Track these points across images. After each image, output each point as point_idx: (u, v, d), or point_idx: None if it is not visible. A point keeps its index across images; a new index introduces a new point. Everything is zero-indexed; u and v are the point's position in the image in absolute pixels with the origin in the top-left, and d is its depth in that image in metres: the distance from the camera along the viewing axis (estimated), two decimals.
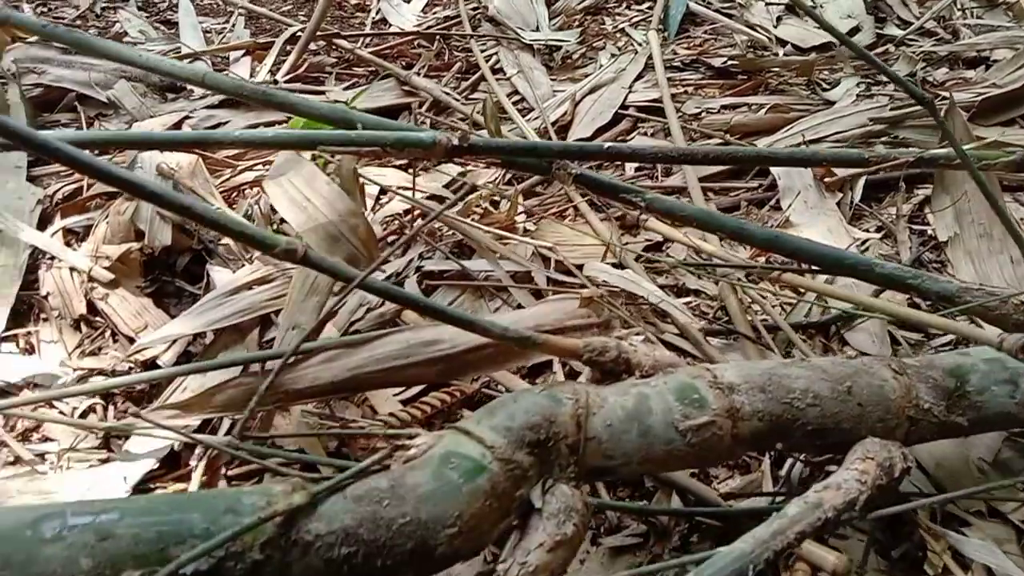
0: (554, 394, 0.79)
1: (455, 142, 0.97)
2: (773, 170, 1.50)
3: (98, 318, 1.51)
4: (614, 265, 1.38)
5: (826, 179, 1.47)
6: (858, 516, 0.76)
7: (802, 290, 1.31)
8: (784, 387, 0.85)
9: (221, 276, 1.52)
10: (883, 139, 1.58)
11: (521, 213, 1.49)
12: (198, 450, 1.18)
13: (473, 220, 1.50)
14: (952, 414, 0.90)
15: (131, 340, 1.44)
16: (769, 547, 0.70)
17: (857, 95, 1.76)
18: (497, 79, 2.07)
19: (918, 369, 0.91)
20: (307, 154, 1.45)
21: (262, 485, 0.70)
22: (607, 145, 1.09)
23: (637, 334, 0.94)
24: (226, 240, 1.60)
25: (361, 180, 1.44)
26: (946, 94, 1.65)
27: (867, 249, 1.37)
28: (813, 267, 1.17)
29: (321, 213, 1.34)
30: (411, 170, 1.60)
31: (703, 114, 1.79)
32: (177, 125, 2.04)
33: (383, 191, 1.66)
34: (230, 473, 1.14)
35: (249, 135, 1.07)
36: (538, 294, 1.36)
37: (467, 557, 0.72)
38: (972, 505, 1.00)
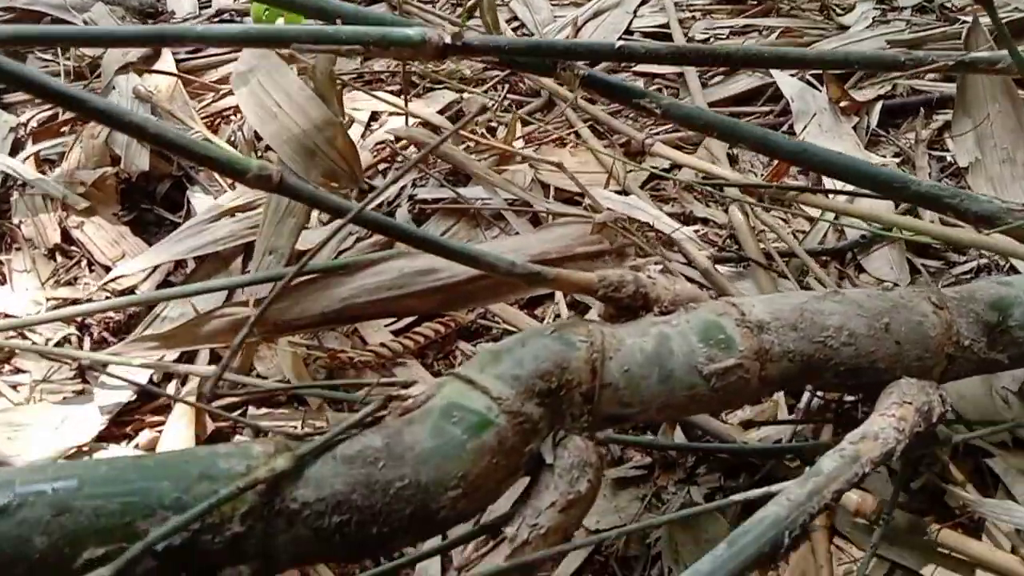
0: (566, 336, 0.69)
1: (447, 40, 0.81)
2: (786, 92, 1.37)
3: (73, 247, 1.39)
4: (618, 192, 1.27)
5: (841, 103, 1.35)
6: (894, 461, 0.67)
7: (819, 212, 1.20)
8: (817, 324, 0.75)
9: (202, 203, 1.40)
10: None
11: (519, 139, 1.36)
12: (175, 385, 1.09)
13: (469, 147, 1.37)
14: (993, 351, 0.80)
15: (108, 269, 1.33)
16: (805, 510, 0.61)
17: (873, 19, 1.61)
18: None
19: (958, 302, 0.81)
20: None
21: (240, 445, 0.59)
22: (619, 44, 0.92)
23: (655, 263, 0.82)
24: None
25: (345, 94, 1.28)
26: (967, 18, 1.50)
27: None
28: (837, 186, 1.06)
29: (293, 121, 1.19)
30: (403, 91, 1.45)
31: (711, 39, 1.63)
32: (156, 50, 1.88)
33: (373, 116, 1.52)
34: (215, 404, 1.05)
35: (213, 30, 0.91)
36: (537, 222, 1.25)
37: (471, 517, 0.62)
38: (996, 436, 0.92)
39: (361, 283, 0.95)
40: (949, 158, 1.27)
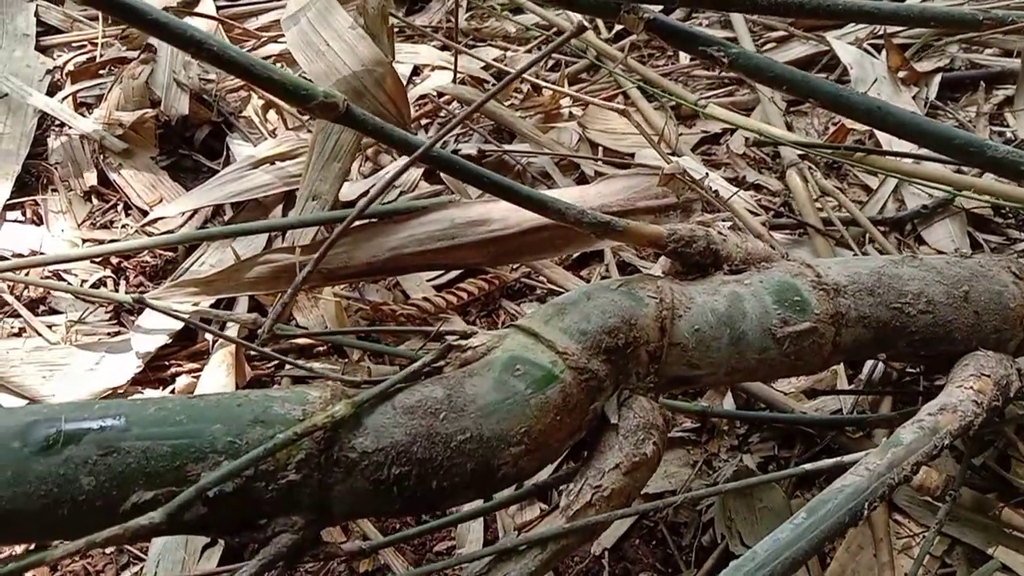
0: (634, 292, 0.64)
1: None
2: (844, 60, 1.30)
3: (110, 190, 1.35)
4: (669, 155, 1.21)
5: (900, 72, 1.28)
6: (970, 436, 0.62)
7: (879, 180, 1.14)
8: (895, 290, 0.70)
9: (241, 150, 1.35)
10: (960, 36, 1.37)
11: (566, 97, 1.30)
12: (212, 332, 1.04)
13: (514, 104, 1.31)
14: None
15: (145, 213, 1.30)
16: (885, 481, 0.56)
17: None
18: None
19: None
20: None
21: (296, 389, 0.55)
22: None
23: (724, 219, 0.76)
24: (247, 112, 1.42)
25: (392, 24, 1.21)
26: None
27: None
28: (903, 149, 0.98)
29: (341, 61, 1.12)
30: (450, 45, 1.39)
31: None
32: None
33: (415, 71, 1.46)
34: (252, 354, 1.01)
35: None
36: (584, 182, 1.19)
37: (531, 476, 0.58)
38: None
39: (410, 233, 0.90)
40: (1009, 133, 1.20)
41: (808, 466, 0.62)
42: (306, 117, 1.38)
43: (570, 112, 1.28)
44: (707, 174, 1.04)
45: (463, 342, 0.59)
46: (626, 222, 0.65)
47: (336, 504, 0.53)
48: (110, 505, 0.50)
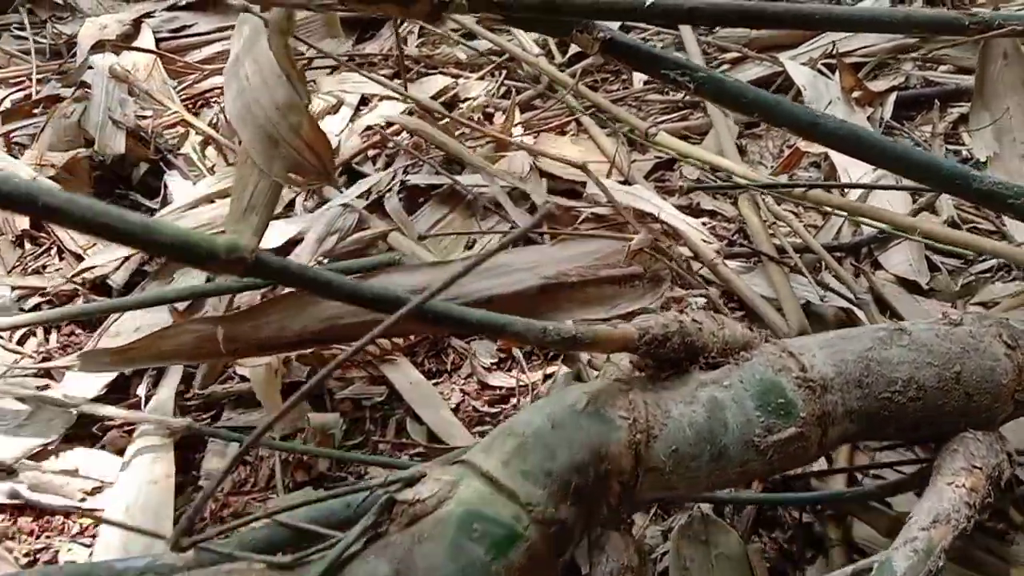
0: (604, 413, 0.51)
1: None
2: (798, 81, 1.18)
3: (42, 234, 1.18)
4: (621, 183, 1.07)
5: (855, 92, 1.16)
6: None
7: (829, 210, 1.03)
8: (884, 378, 0.58)
9: (180, 188, 1.19)
10: (914, 54, 1.26)
11: (517, 126, 1.15)
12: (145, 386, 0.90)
13: (464, 134, 1.16)
14: None
15: (79, 258, 1.13)
16: None
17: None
18: None
19: None
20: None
21: None
22: (649, 1, 0.69)
23: (699, 296, 0.64)
24: (186, 149, 1.25)
25: (336, 76, 1.05)
26: (981, 10, 1.29)
27: None
28: (853, 180, 0.88)
29: (258, 102, 0.94)
30: (398, 73, 1.23)
31: (716, 27, 1.42)
32: (136, 25, 1.61)
33: (363, 101, 1.30)
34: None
35: None
36: (534, 210, 1.06)
37: None
38: None
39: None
40: (965, 152, 1.10)
41: None
42: None
43: (521, 140, 1.13)
44: (658, 213, 0.91)
45: (409, 494, 0.46)
46: (594, 331, 0.51)
47: None
48: None
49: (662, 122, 1.18)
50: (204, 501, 0.41)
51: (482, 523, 0.44)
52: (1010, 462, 0.59)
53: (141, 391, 0.90)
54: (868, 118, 1.12)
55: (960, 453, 0.58)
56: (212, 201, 1.14)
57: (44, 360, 0.96)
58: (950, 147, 1.11)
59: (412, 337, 0.93)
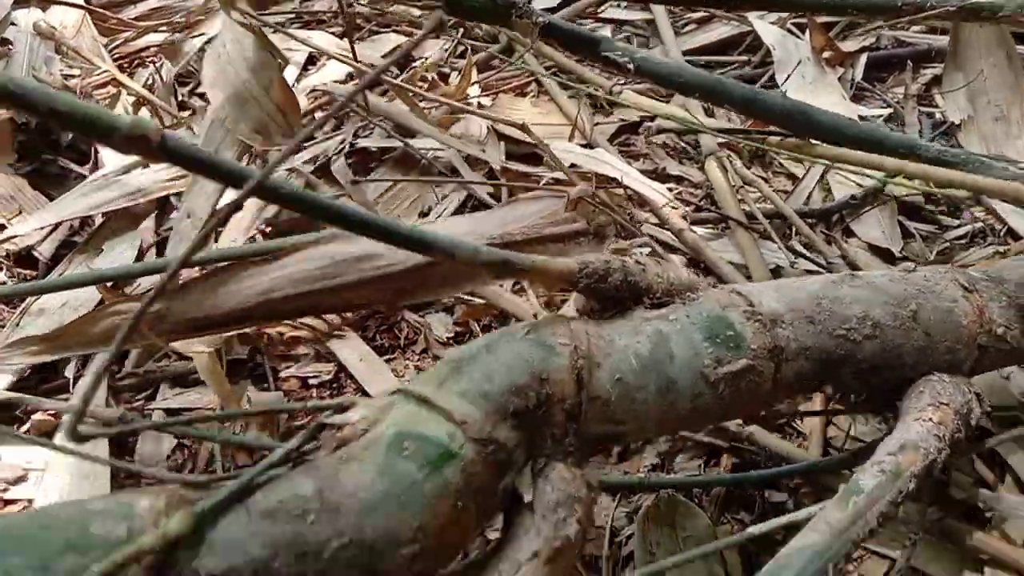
0: (544, 339, 0.54)
1: None
2: (767, 41, 1.23)
3: None
4: (583, 146, 1.11)
5: (825, 53, 1.21)
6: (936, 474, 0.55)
7: (805, 168, 1.07)
8: (838, 315, 0.62)
9: (113, 153, 1.20)
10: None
11: (474, 85, 1.18)
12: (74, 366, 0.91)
13: (418, 96, 1.19)
14: None
15: (1, 228, 1.13)
16: (849, 537, 0.48)
17: None
18: None
19: (988, 283, 0.69)
20: None
21: (121, 500, 0.43)
22: None
23: (641, 245, 0.67)
24: (118, 110, 1.26)
25: (281, 35, 1.09)
26: None
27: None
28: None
29: (231, 67, 0.99)
30: (346, 32, 1.26)
31: None
32: None
33: (311, 59, 1.32)
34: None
35: None
36: (493, 177, 1.09)
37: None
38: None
39: (284, 272, 0.77)
40: (939, 114, 1.15)
41: (754, 529, 0.53)
42: (186, 114, 1.24)
43: (478, 103, 1.16)
44: (622, 178, 0.95)
45: (338, 419, 0.48)
46: (531, 260, 0.55)
47: None
48: None
49: (626, 82, 1.22)
50: (98, 381, 0.42)
51: (413, 441, 0.47)
52: (979, 402, 0.63)
53: (69, 372, 0.91)
54: (839, 79, 1.17)
55: (926, 393, 0.62)
56: (147, 165, 1.14)
57: None
58: (923, 109, 1.16)
59: (363, 310, 0.95)
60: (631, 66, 0.77)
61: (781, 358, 0.59)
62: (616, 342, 0.56)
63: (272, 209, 1.06)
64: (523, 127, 0.97)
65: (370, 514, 0.44)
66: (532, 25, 0.79)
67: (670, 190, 1.08)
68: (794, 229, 1.02)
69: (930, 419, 0.58)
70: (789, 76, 1.13)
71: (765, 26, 1.26)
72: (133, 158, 1.15)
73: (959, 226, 1.04)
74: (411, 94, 1.13)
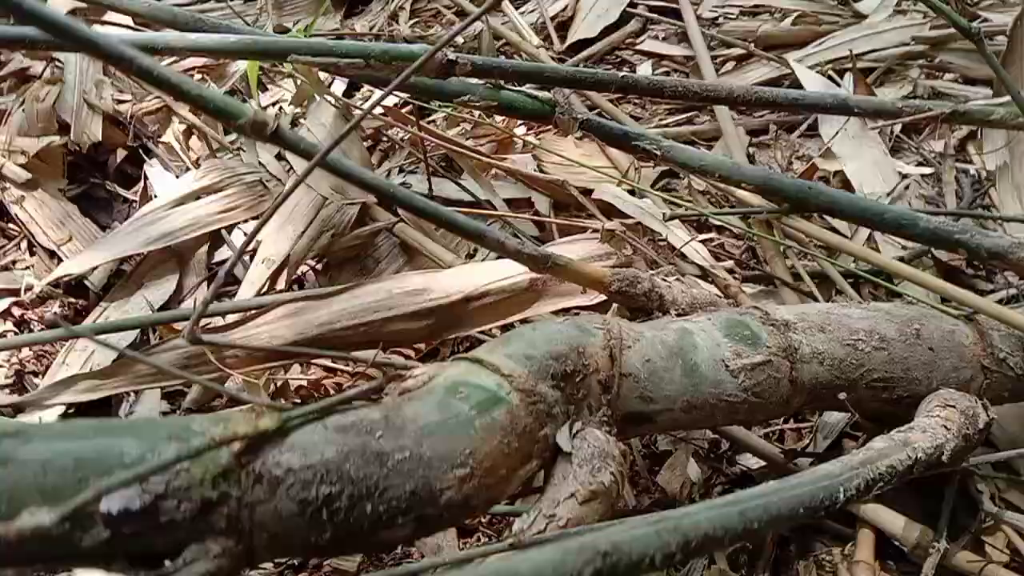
0: (580, 323, 0.69)
1: (451, 57, 0.86)
2: (810, 89, 1.39)
3: (12, 225, 1.35)
4: (629, 192, 1.27)
5: None
6: (947, 466, 0.68)
7: (851, 229, 1.21)
8: (846, 327, 0.77)
9: (161, 179, 1.38)
10: (921, 61, 1.49)
11: (520, 125, 1.36)
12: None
13: (462, 132, 1.37)
14: None
15: (51, 254, 1.29)
16: (859, 474, 0.61)
17: (892, 9, 1.63)
18: None
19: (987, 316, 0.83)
20: None
21: (218, 413, 0.57)
22: (622, 74, 1.01)
23: (668, 274, 0.83)
24: (167, 137, 1.44)
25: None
26: (984, 15, 1.53)
27: (907, 188, 1.27)
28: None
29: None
30: None
31: (720, 19, 1.65)
32: None
33: (353, 85, 1.49)
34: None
35: (207, 41, 0.88)
36: (540, 223, 1.24)
37: (481, 508, 0.61)
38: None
39: (342, 306, 0.95)
40: (973, 171, 1.30)
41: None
42: (231, 140, 1.41)
43: (524, 141, 1.34)
44: (664, 213, 1.10)
45: (404, 371, 0.62)
46: (568, 258, 0.70)
47: (258, 531, 0.54)
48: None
49: (668, 124, 1.39)
50: (214, 294, 0.57)
51: (467, 387, 0.61)
52: (985, 410, 0.76)
53: (123, 411, 1.02)
54: (879, 132, 1.32)
55: (935, 400, 0.76)
56: (198, 197, 1.30)
57: (17, 374, 1.11)
58: (959, 165, 1.31)
59: (414, 355, 1.09)
60: (658, 153, 0.97)
61: (796, 357, 0.73)
62: (645, 333, 0.71)
63: (324, 240, 1.21)
64: (563, 184, 1.13)
65: (428, 437, 0.58)
66: (573, 120, 0.99)
67: (709, 241, 1.23)
68: (836, 289, 1.13)
69: (938, 415, 0.72)
70: (837, 133, 1.29)
71: (806, 72, 1.43)
72: (183, 190, 1.30)
73: (993, 291, 1.15)
74: (457, 129, 1.31)
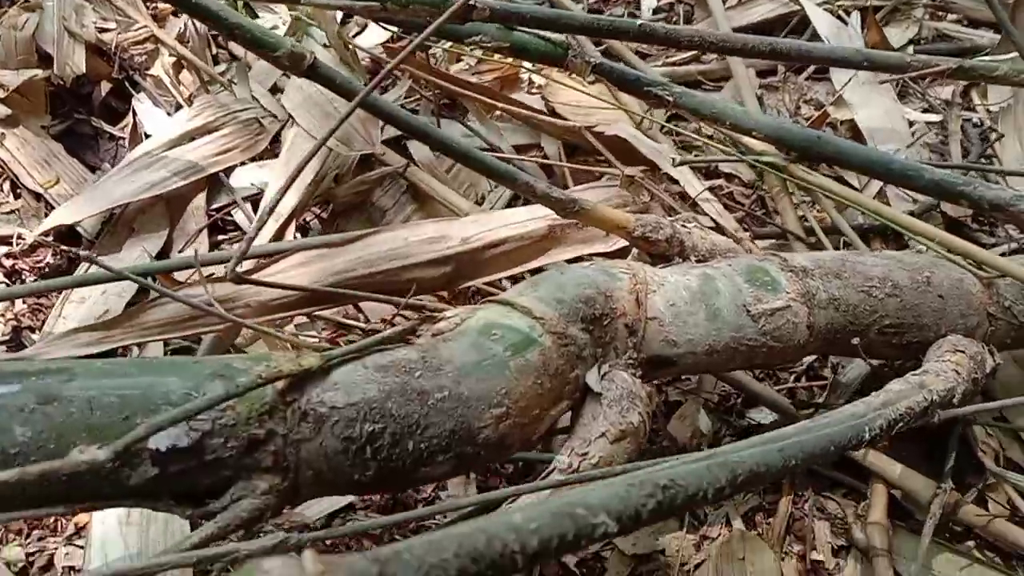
0: (607, 267, 0.73)
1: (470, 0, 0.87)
2: (820, 30, 1.42)
3: None
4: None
5: (875, 48, 1.40)
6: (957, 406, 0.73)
7: (862, 180, 1.24)
8: (860, 274, 0.81)
9: (150, 115, 1.37)
10: (926, 0, 1.52)
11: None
12: None
13: (466, 67, 1.37)
14: None
15: (38, 197, 1.27)
16: (881, 414, 0.66)
17: None
18: None
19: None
20: None
21: (260, 352, 0.60)
22: (639, 22, 1.03)
23: (687, 221, 0.86)
24: (155, 70, 1.43)
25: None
26: None
27: (915, 136, 1.31)
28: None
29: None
30: None
31: None
32: None
33: (348, 14, 1.47)
34: None
35: None
36: (549, 169, 1.25)
37: (516, 447, 0.64)
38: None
39: (358, 254, 0.96)
40: (976, 119, 1.35)
41: None
42: (221, 72, 1.40)
43: (530, 79, 1.34)
44: (673, 159, 1.12)
45: (436, 314, 0.65)
46: (593, 203, 0.73)
47: (304, 468, 0.58)
48: (48, 459, 0.52)
49: (676, 63, 1.41)
50: (256, 232, 0.59)
51: (501, 329, 0.65)
52: (992, 355, 0.81)
53: None
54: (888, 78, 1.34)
55: (944, 345, 0.81)
56: (192, 139, 1.28)
57: (14, 329, 1.08)
58: (964, 116, 1.36)
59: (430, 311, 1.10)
60: (670, 99, 1.00)
61: (813, 303, 0.77)
62: (668, 278, 0.75)
63: (326, 184, 1.21)
64: (580, 129, 1.15)
65: (465, 377, 0.61)
66: (586, 64, 1.02)
67: (719, 189, 1.25)
68: (843, 241, 1.16)
69: (948, 360, 0.77)
70: (848, 81, 1.31)
71: (816, 10, 1.46)
72: (177, 131, 1.28)
73: (995, 244, 1.20)
74: (463, 66, 1.31)
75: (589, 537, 0.38)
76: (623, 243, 0.97)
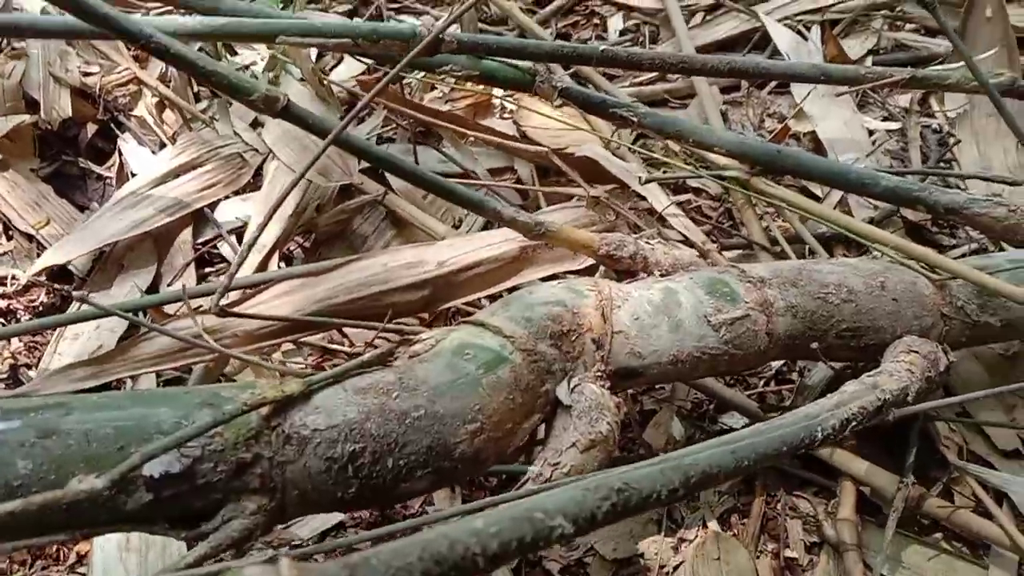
0: (573, 285, 0.77)
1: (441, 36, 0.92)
2: (780, 45, 1.47)
3: None
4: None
5: (834, 61, 1.45)
6: (912, 405, 0.76)
7: (824, 191, 1.28)
8: (816, 281, 0.85)
9: (137, 156, 1.41)
10: (884, 12, 1.58)
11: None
12: None
13: (440, 96, 1.41)
14: (985, 313, 0.91)
15: (30, 238, 1.30)
16: (834, 414, 0.70)
17: None
18: None
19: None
20: None
21: (246, 380, 0.63)
22: (602, 48, 1.08)
23: (651, 237, 0.90)
24: (139, 111, 1.47)
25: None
26: None
27: (875, 144, 1.35)
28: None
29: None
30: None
31: None
32: None
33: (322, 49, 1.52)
34: None
35: (196, 24, 0.92)
36: (524, 192, 1.29)
37: (492, 461, 0.68)
38: (1003, 441, 1.00)
39: (339, 281, 1.00)
40: (935, 125, 1.39)
41: None
42: (203, 109, 1.44)
43: (502, 105, 1.39)
44: (640, 177, 1.16)
45: (411, 336, 0.69)
46: (559, 224, 0.77)
47: (289, 488, 0.61)
48: (50, 490, 0.55)
49: (642, 83, 1.45)
50: (238, 267, 0.62)
51: (473, 349, 0.68)
52: (946, 354, 0.84)
53: None
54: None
55: (899, 345, 0.85)
56: (177, 175, 1.32)
57: (12, 367, 1.12)
58: (924, 123, 1.40)
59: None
60: (635, 120, 1.05)
61: (771, 311, 0.81)
62: (632, 293, 0.78)
63: (308, 214, 1.25)
64: (549, 153, 1.19)
65: (440, 396, 0.65)
66: (553, 88, 1.07)
67: (687, 203, 1.29)
68: (808, 249, 1.20)
69: (902, 360, 0.80)
70: (808, 95, 1.36)
71: (776, 26, 1.51)
72: (162, 169, 1.32)
73: (955, 246, 1.24)
74: (437, 94, 1.35)
75: (547, 539, 0.41)
76: (593, 261, 1.02)
